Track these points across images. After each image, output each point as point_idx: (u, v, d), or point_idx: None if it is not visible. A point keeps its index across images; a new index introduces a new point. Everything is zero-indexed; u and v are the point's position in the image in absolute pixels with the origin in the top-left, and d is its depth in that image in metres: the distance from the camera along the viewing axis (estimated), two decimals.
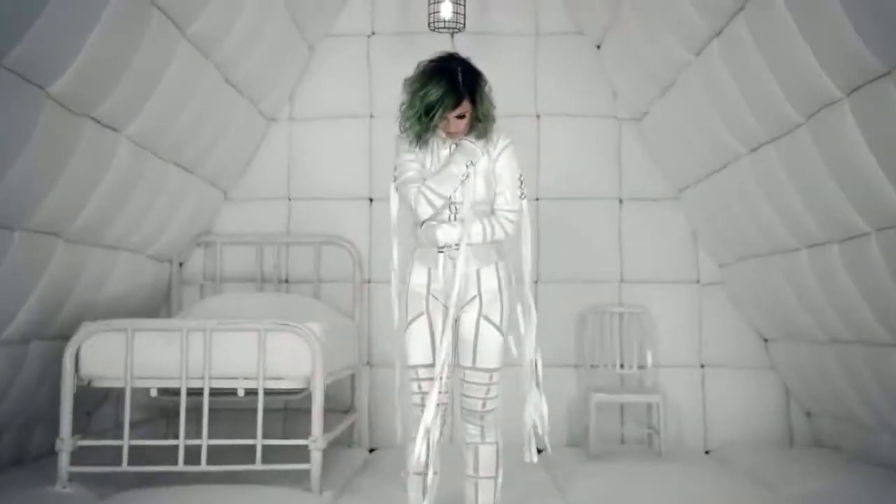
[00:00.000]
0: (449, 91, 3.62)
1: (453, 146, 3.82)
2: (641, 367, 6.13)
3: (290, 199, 6.39)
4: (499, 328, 3.84)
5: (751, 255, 5.63)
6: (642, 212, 6.32)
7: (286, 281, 6.29)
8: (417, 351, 3.83)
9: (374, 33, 6.44)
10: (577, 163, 6.33)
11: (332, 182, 6.34)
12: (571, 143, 6.35)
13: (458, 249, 3.77)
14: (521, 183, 3.88)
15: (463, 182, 3.76)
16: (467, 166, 3.76)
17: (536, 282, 6.27)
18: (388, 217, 3.95)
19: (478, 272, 3.84)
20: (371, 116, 6.40)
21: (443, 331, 3.78)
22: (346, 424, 5.63)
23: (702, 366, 6.25)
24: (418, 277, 3.86)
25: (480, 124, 3.76)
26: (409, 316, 3.86)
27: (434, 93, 3.60)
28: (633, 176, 6.34)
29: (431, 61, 3.71)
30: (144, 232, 5.34)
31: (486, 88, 3.75)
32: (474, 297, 3.84)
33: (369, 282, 6.33)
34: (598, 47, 6.35)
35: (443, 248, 3.80)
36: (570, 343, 6.23)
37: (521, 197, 3.88)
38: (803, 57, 4.00)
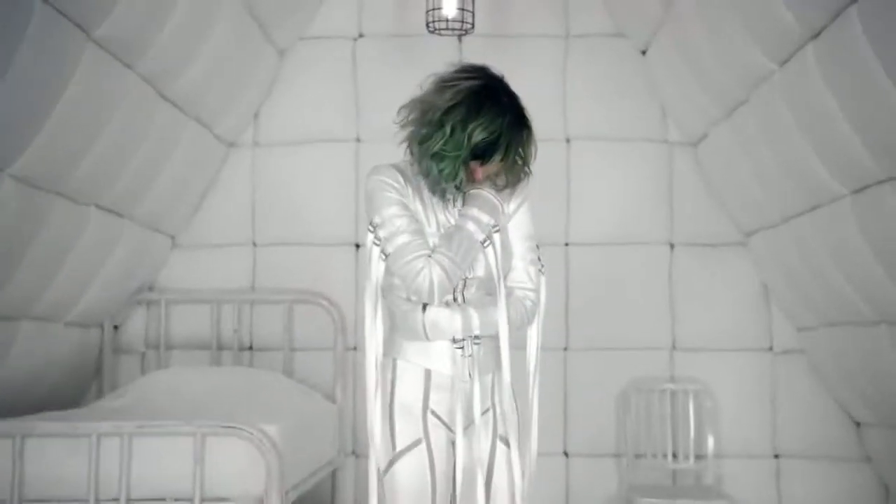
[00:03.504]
0: (512, 129, 2.94)
1: (460, 194, 3.09)
2: (699, 457, 5.66)
3: (255, 245, 5.93)
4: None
5: (844, 320, 5.01)
6: (699, 260, 5.89)
7: (250, 348, 5.84)
8: (410, 498, 3.02)
9: (361, 35, 5.98)
10: (617, 198, 5.92)
11: (308, 223, 5.90)
12: (610, 173, 5.94)
13: (478, 343, 3.05)
14: (538, 249, 3.26)
15: (485, 251, 3.05)
16: (492, 227, 3.04)
17: (566, 349, 5.83)
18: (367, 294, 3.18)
19: (493, 375, 3.12)
20: (357, 140, 5.92)
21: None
22: None
23: (776, 456, 5.79)
24: (411, 386, 3.08)
25: (516, 167, 3.04)
26: (399, 445, 3.03)
27: (490, 129, 2.90)
28: (687, 215, 5.91)
29: (468, 77, 2.99)
30: (54, 294, 4.65)
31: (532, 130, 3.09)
32: (487, 411, 3.11)
33: (355, 349, 5.81)
34: (644, 53, 5.88)
35: (458, 341, 3.05)
36: (610, 427, 5.79)
37: (540, 271, 3.22)
38: None
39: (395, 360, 3.10)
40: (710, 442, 5.63)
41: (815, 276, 5.03)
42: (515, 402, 3.12)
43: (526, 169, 3.07)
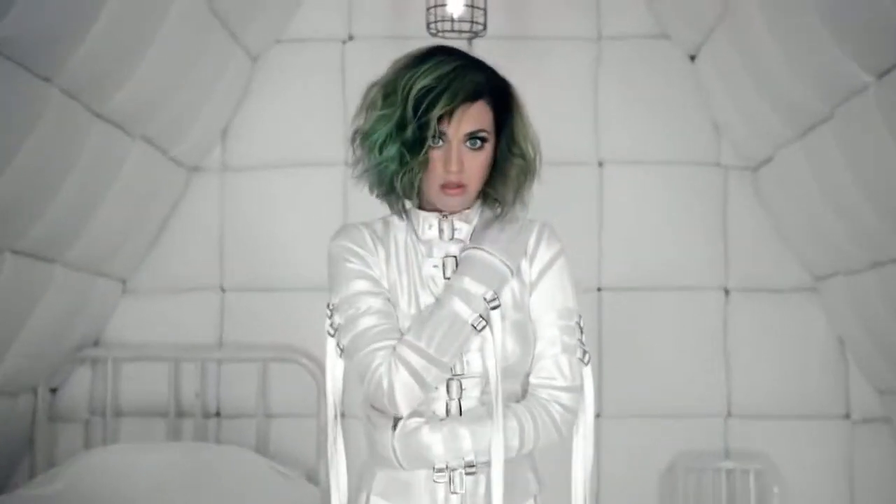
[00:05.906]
0: (464, 69, 2.37)
1: (450, 259, 2.44)
2: None
3: (223, 291, 5.56)
4: None
5: None
6: (760, 309, 5.54)
7: (216, 415, 5.45)
8: None
9: (351, 38, 5.62)
10: (660, 234, 5.58)
11: (287, 265, 5.54)
12: (651, 203, 5.61)
13: (472, 473, 2.39)
14: (582, 330, 2.52)
15: (480, 333, 2.38)
16: (488, 302, 2.37)
17: (598, 416, 5.38)
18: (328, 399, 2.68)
19: None
20: (346, 164, 5.45)
21: None
22: None
23: None
24: None
25: (515, 169, 2.42)
26: None
27: (436, 73, 2.35)
28: (744, 254, 5.57)
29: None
30: None
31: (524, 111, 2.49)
32: None
33: (343, 416, 5.17)
34: (693, 58, 5.52)
35: (442, 471, 2.41)
36: None
37: (582, 360, 2.51)
38: None
39: (368, 496, 2.47)
40: None
41: None
42: None
43: (531, 164, 2.41)
